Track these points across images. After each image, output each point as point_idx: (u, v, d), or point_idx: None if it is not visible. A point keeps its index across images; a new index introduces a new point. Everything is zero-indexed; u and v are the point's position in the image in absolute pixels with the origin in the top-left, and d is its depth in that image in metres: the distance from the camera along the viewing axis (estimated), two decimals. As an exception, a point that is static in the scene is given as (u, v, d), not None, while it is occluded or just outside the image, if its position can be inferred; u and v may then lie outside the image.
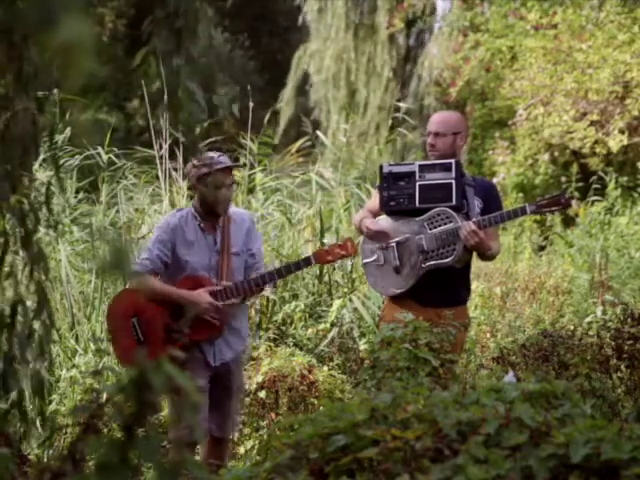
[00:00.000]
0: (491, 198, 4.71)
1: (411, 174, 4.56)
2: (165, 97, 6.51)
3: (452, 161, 4.50)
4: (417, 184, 4.54)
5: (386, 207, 4.59)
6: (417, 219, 4.54)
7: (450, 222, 4.49)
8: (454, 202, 4.48)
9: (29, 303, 2.33)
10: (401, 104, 9.52)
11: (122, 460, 1.62)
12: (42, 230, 6.13)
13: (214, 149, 4.69)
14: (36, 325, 2.33)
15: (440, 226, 4.51)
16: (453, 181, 4.49)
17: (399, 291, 4.53)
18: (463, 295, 4.70)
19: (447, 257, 4.50)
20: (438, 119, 4.70)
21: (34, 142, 2.24)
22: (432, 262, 4.51)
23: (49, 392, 5.47)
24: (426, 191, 4.53)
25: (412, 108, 8.45)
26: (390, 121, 7.71)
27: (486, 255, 4.63)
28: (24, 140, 2.22)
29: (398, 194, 4.56)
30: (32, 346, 2.29)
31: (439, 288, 4.53)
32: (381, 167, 4.62)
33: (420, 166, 4.57)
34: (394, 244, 4.55)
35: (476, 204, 4.64)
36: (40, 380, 2.31)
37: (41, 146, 2.34)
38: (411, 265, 4.54)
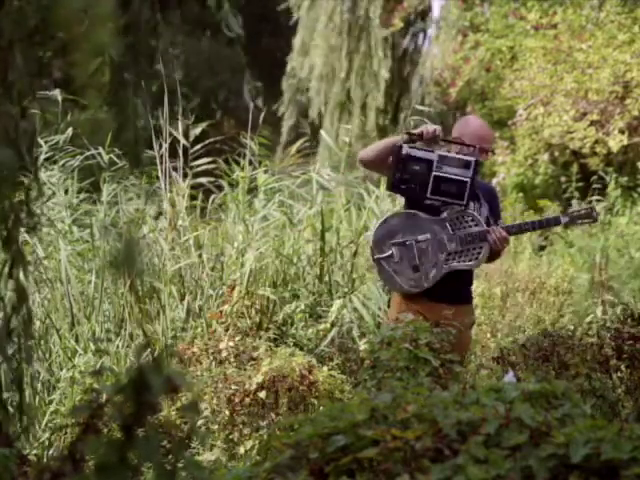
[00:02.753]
0: (493, 202, 4.74)
1: (430, 162, 4.44)
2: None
3: (472, 159, 4.43)
4: (433, 174, 4.43)
5: (394, 188, 4.51)
6: (437, 218, 4.53)
7: (476, 225, 4.49)
8: (464, 201, 4.43)
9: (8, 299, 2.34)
10: (420, 107, 9.48)
11: (121, 460, 1.62)
12: (44, 230, 6.13)
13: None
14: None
15: (464, 228, 4.49)
16: (469, 180, 4.42)
17: (416, 290, 4.51)
18: (470, 292, 4.73)
19: (472, 260, 4.51)
20: (491, 136, 4.65)
21: (20, 146, 2.25)
22: (455, 263, 4.50)
23: (49, 392, 5.48)
24: (440, 183, 4.44)
25: (416, 108, 8.42)
26: (410, 120, 7.69)
27: (496, 257, 4.68)
28: (9, 145, 2.23)
29: (411, 178, 4.45)
30: (12, 342, 2.31)
31: (452, 284, 4.54)
32: (400, 147, 4.45)
33: (440, 156, 4.45)
34: (413, 242, 4.51)
35: (485, 210, 4.65)
36: (19, 374, 2.33)
37: (32, 149, 2.35)
38: (431, 265, 4.51)
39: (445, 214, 4.51)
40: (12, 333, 2.30)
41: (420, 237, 4.50)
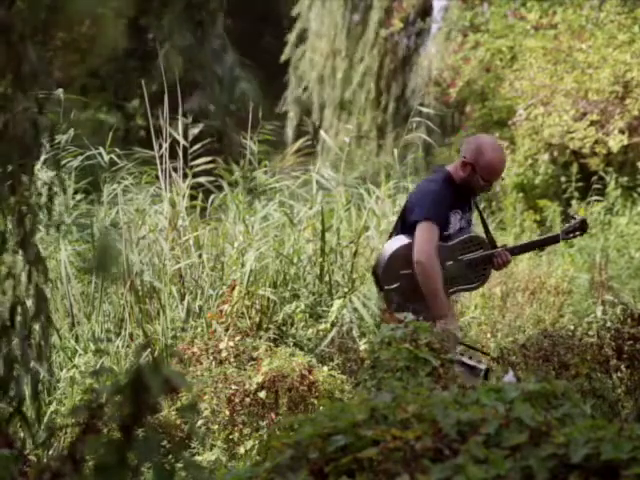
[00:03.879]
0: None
1: None
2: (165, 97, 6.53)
3: (483, 368, 4.22)
4: None
5: None
6: (445, 245, 4.50)
7: (481, 248, 4.51)
8: None
9: (28, 304, 2.31)
10: (425, 109, 9.47)
11: (120, 461, 1.62)
12: (43, 230, 6.13)
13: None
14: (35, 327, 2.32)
15: (471, 252, 4.50)
16: None
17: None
18: None
19: (476, 282, 4.56)
20: (504, 166, 4.58)
21: (34, 143, 2.24)
22: (461, 287, 4.53)
23: (49, 392, 5.48)
24: None
25: (417, 109, 8.41)
26: (411, 121, 7.68)
27: None
28: (24, 141, 2.22)
29: None
30: (31, 348, 2.28)
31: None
32: None
33: None
34: None
35: (473, 212, 4.67)
36: (36, 383, 2.30)
37: (43, 147, 2.34)
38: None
39: (452, 242, 4.52)
40: (30, 337, 2.28)
41: None
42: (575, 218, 4.81)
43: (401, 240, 4.57)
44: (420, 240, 4.40)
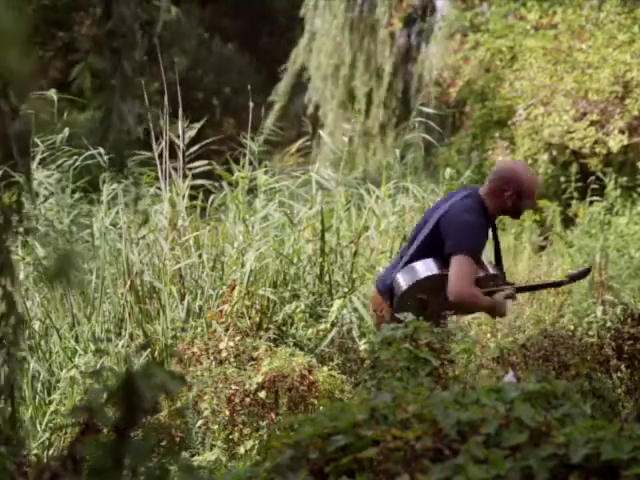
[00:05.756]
0: None
1: None
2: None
3: None
4: None
5: None
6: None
7: (492, 281, 4.61)
8: None
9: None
10: (425, 109, 9.44)
11: (115, 462, 1.62)
12: (43, 230, 6.13)
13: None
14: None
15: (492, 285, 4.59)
16: None
17: None
18: None
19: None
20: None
21: (7, 147, 2.22)
22: (460, 312, 4.65)
23: (49, 392, 5.48)
24: None
25: (419, 109, 8.37)
26: (414, 120, 7.66)
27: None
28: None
29: None
30: (1, 351, 2.29)
31: None
32: None
33: None
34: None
35: None
36: (10, 384, 2.31)
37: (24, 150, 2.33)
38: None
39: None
40: (1, 341, 2.29)
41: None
42: (583, 267, 5.04)
43: (431, 267, 4.46)
44: (456, 276, 4.33)
